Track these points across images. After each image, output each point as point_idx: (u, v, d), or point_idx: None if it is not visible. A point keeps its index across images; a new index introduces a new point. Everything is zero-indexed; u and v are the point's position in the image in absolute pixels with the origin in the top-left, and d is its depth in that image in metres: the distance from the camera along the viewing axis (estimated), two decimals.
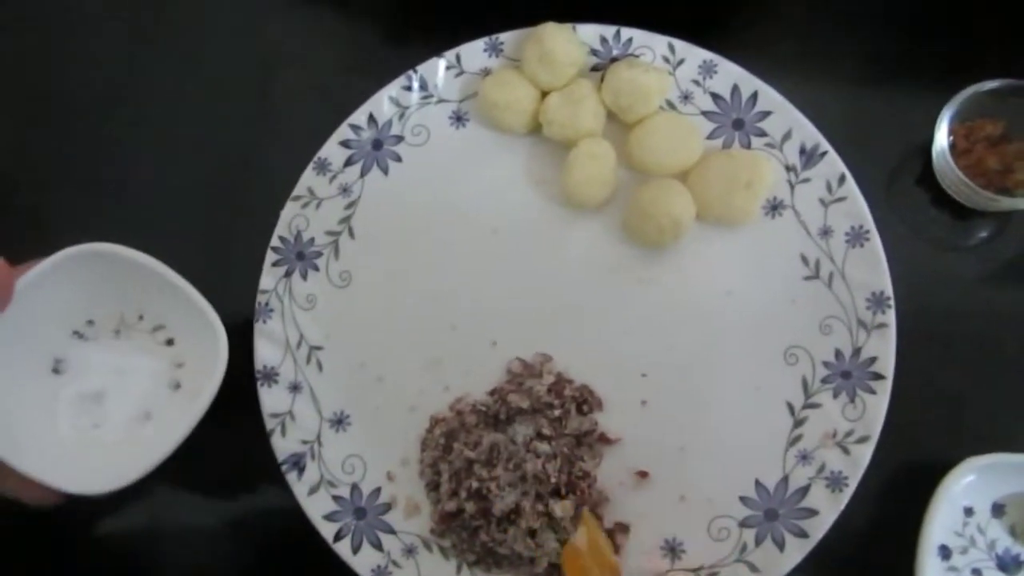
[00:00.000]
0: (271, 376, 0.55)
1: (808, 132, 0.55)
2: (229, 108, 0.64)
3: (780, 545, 0.49)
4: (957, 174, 0.53)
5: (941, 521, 0.48)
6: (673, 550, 0.51)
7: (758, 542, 0.49)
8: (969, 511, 0.50)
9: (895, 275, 0.52)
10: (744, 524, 0.50)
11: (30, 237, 0.62)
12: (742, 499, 0.51)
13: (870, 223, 0.53)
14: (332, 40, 0.66)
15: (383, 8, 0.66)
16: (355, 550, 0.52)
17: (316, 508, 0.53)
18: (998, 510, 0.50)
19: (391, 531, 0.53)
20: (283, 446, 0.54)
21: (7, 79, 0.67)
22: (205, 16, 0.67)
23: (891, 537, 0.50)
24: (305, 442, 0.54)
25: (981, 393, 0.53)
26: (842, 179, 0.54)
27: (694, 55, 0.57)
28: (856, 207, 0.53)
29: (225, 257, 0.60)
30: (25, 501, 0.47)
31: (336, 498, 0.53)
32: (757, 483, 0.51)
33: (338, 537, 0.52)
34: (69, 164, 0.65)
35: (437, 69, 0.59)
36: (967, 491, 0.50)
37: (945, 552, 0.50)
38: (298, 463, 0.53)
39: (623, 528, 0.51)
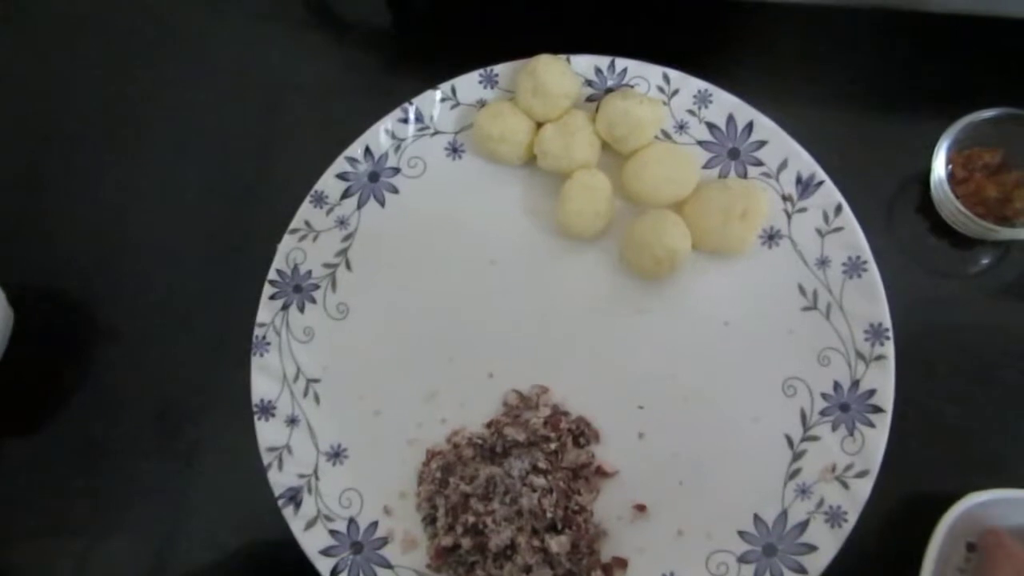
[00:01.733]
0: (268, 410, 0.55)
1: (804, 161, 0.54)
2: (227, 140, 0.65)
3: None
4: (955, 203, 0.52)
5: (943, 556, 0.48)
6: None
7: None
8: (971, 547, 0.49)
9: (894, 304, 0.52)
10: (743, 559, 0.50)
11: (33, 261, 0.64)
12: (741, 534, 0.50)
13: (867, 253, 0.52)
14: (329, 71, 0.66)
15: (380, 39, 0.67)
16: None
17: (313, 543, 0.52)
18: None
19: (388, 566, 0.52)
20: (280, 480, 0.54)
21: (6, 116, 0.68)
22: (203, 46, 0.68)
23: (892, 572, 0.49)
24: (302, 476, 0.54)
25: (983, 424, 0.52)
26: (839, 209, 0.53)
27: (689, 85, 0.57)
28: (853, 237, 0.53)
29: (223, 290, 0.61)
30: None
31: (333, 532, 0.53)
32: (756, 517, 0.50)
33: (335, 572, 0.52)
34: (69, 189, 0.66)
35: (433, 101, 0.59)
36: (969, 526, 0.49)
37: None
38: (295, 497, 0.53)
39: (621, 563, 0.51)
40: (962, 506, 0.47)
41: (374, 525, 0.53)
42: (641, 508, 0.52)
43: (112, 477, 0.59)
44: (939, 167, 0.54)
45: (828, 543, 0.48)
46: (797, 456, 0.51)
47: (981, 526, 0.48)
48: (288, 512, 0.53)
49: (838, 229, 0.53)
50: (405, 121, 0.59)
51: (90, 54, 0.69)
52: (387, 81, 0.65)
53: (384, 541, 0.53)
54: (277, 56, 0.67)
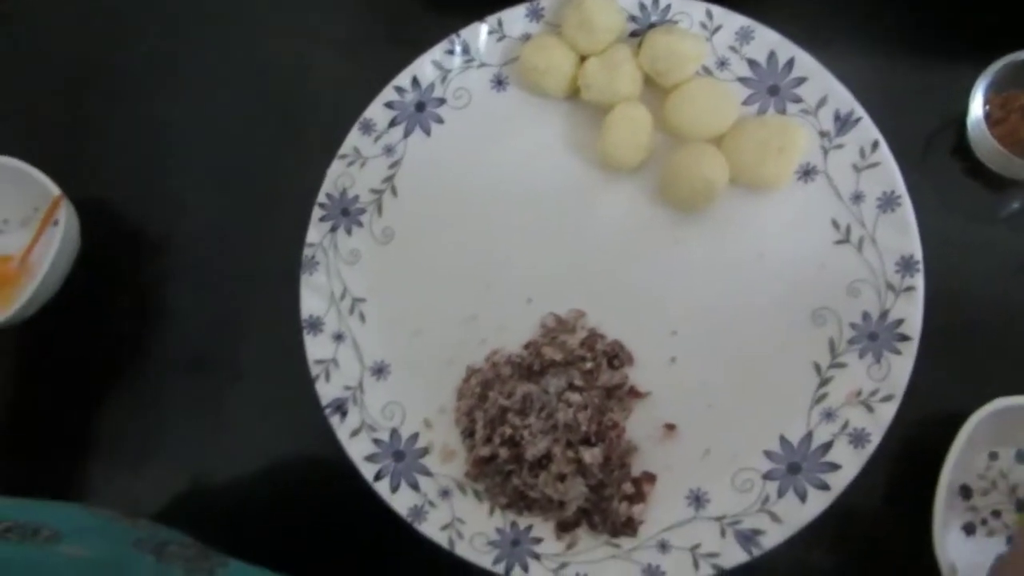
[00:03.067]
0: (316, 325, 0.58)
1: (843, 98, 0.55)
2: (268, 70, 0.67)
3: (802, 497, 0.50)
4: (992, 143, 0.53)
5: (965, 461, 0.49)
6: (698, 499, 0.52)
7: (780, 494, 0.51)
8: (994, 455, 0.51)
9: (926, 244, 0.53)
10: (768, 476, 0.52)
11: (89, 183, 0.67)
12: (766, 453, 0.52)
13: (902, 188, 0.53)
14: (376, 8, 0.68)
15: None
16: (394, 490, 0.54)
17: (357, 450, 0.55)
18: (1023, 456, 0.51)
19: (428, 473, 0.55)
20: (327, 391, 0.57)
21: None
22: None
23: (916, 481, 0.50)
24: (348, 388, 0.57)
25: (1008, 357, 0.54)
26: (875, 145, 0.54)
27: (731, 21, 0.58)
28: (888, 173, 0.54)
29: (273, 212, 0.63)
30: None
31: (376, 441, 0.56)
32: (782, 438, 0.52)
33: (378, 477, 0.55)
34: (123, 118, 0.69)
35: (479, 33, 0.61)
36: (994, 436, 0.50)
37: (966, 492, 0.51)
38: (341, 407, 0.56)
39: (650, 478, 0.53)
40: (985, 411, 0.49)
41: (415, 436, 0.56)
42: (671, 428, 0.54)
43: (159, 395, 0.63)
44: (976, 107, 0.54)
45: (851, 462, 0.50)
46: (824, 382, 0.53)
47: (1004, 433, 0.50)
48: (335, 421, 0.56)
49: (874, 165, 0.54)
50: (452, 53, 0.61)
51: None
52: (433, 18, 0.66)
53: (424, 451, 0.56)
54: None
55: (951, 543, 0.50)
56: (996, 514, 0.51)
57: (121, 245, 0.67)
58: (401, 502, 0.54)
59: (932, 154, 0.58)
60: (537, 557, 0.52)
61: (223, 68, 0.68)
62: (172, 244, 0.66)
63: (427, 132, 0.61)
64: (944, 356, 0.52)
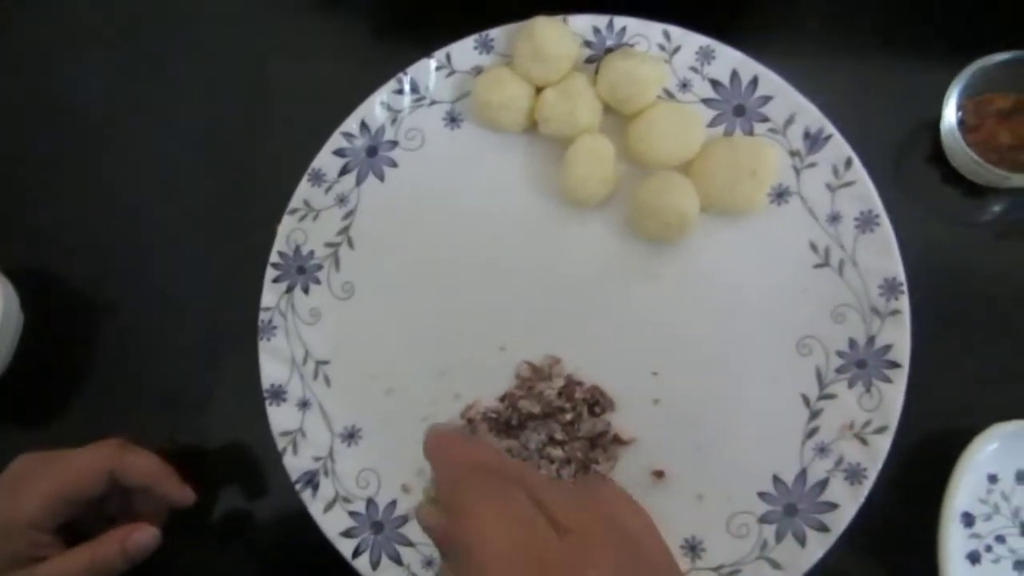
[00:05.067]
0: (279, 394, 0.55)
1: (812, 115, 0.53)
2: (214, 118, 0.64)
3: (801, 540, 0.48)
4: (967, 152, 0.51)
5: (965, 488, 0.48)
6: (693, 549, 0.50)
7: (779, 538, 0.49)
8: (993, 478, 0.49)
9: (907, 257, 0.51)
10: (764, 520, 0.50)
11: (27, 252, 0.63)
12: (760, 495, 0.50)
13: (879, 207, 0.51)
14: (318, 42, 0.64)
15: (368, 7, 0.65)
16: (374, 566, 0.51)
17: (333, 525, 0.52)
18: (1023, 477, 0.50)
19: (410, 544, 0.52)
20: (296, 464, 0.54)
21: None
22: (185, 20, 0.66)
23: (914, 510, 0.49)
24: (317, 459, 0.54)
25: (1001, 373, 0.52)
26: (849, 163, 0.52)
27: (691, 41, 0.55)
28: (865, 191, 0.52)
29: (224, 276, 0.60)
30: (181, 503, 0.51)
31: (352, 513, 0.53)
32: (775, 478, 0.50)
33: (357, 553, 0.52)
34: (58, 181, 0.65)
35: (428, 70, 0.58)
36: (991, 458, 0.49)
37: (968, 519, 0.49)
38: (311, 480, 0.53)
39: None
40: (986, 437, 0.47)
41: (393, 504, 0.53)
42: (659, 474, 0.52)
43: None
44: (950, 114, 0.52)
45: (849, 500, 0.48)
46: (814, 415, 0.51)
47: (1002, 455, 0.48)
48: (307, 496, 0.53)
49: (848, 183, 0.52)
50: (400, 92, 0.58)
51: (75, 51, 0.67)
52: (377, 50, 0.63)
53: (404, 520, 0.53)
54: (261, 28, 0.65)
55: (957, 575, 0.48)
56: (1000, 539, 0.49)
57: (68, 314, 0.63)
58: None
59: (907, 165, 0.56)
60: None
61: (162, 124, 0.64)
62: (123, 309, 0.62)
63: (380, 178, 0.58)
64: (934, 377, 0.50)
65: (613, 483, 0.39)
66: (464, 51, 0.57)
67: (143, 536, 0.48)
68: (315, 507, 0.53)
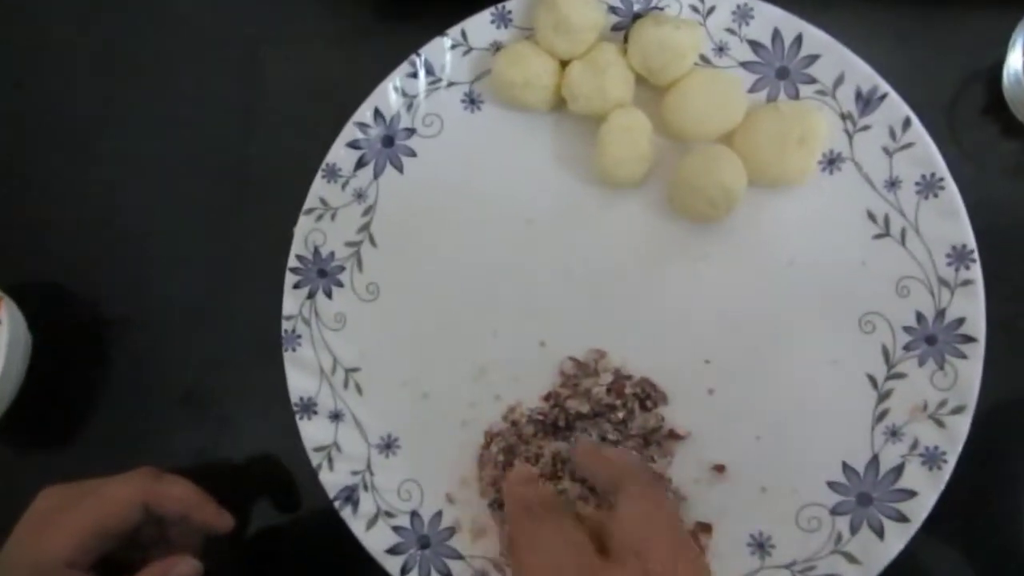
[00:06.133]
0: (309, 407, 0.52)
1: (863, 73, 0.49)
2: (216, 120, 0.60)
3: (879, 532, 0.45)
4: None
5: None
6: (761, 546, 0.47)
7: (854, 530, 0.46)
8: None
9: (974, 221, 0.47)
10: (836, 511, 0.47)
11: (31, 271, 0.60)
12: (830, 484, 0.47)
13: (943, 170, 0.47)
14: (318, 27, 0.60)
15: None
16: None
17: (377, 543, 0.50)
18: None
19: (459, 556, 0.50)
20: (333, 480, 0.51)
21: None
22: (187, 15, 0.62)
23: (999, 494, 0.46)
24: (355, 473, 0.51)
25: None
26: (907, 123, 0.48)
27: (726, 0, 0.51)
28: (926, 153, 0.48)
29: (239, 283, 0.56)
30: (219, 530, 0.49)
31: (396, 529, 0.50)
32: (845, 466, 0.47)
33: (405, 571, 0.49)
34: (56, 195, 0.62)
35: (442, 49, 0.54)
36: None
37: None
38: (351, 496, 0.50)
39: (705, 528, 0.48)
40: None
41: (438, 516, 0.50)
42: (720, 469, 0.49)
43: None
44: (1015, 60, 0.48)
45: (928, 487, 0.45)
46: (883, 396, 0.47)
47: None
48: (347, 513, 0.50)
49: (907, 145, 0.48)
50: (414, 75, 0.54)
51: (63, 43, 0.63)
52: (387, 31, 0.59)
53: (451, 531, 0.50)
54: (253, 15, 0.61)
55: None
56: None
57: (78, 332, 0.60)
58: None
59: (963, 119, 0.51)
60: None
61: (158, 129, 0.60)
62: (135, 324, 0.59)
63: (399, 169, 0.54)
64: (1012, 351, 0.47)
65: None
66: (480, 26, 0.53)
67: (185, 569, 0.46)
68: (357, 524, 0.50)
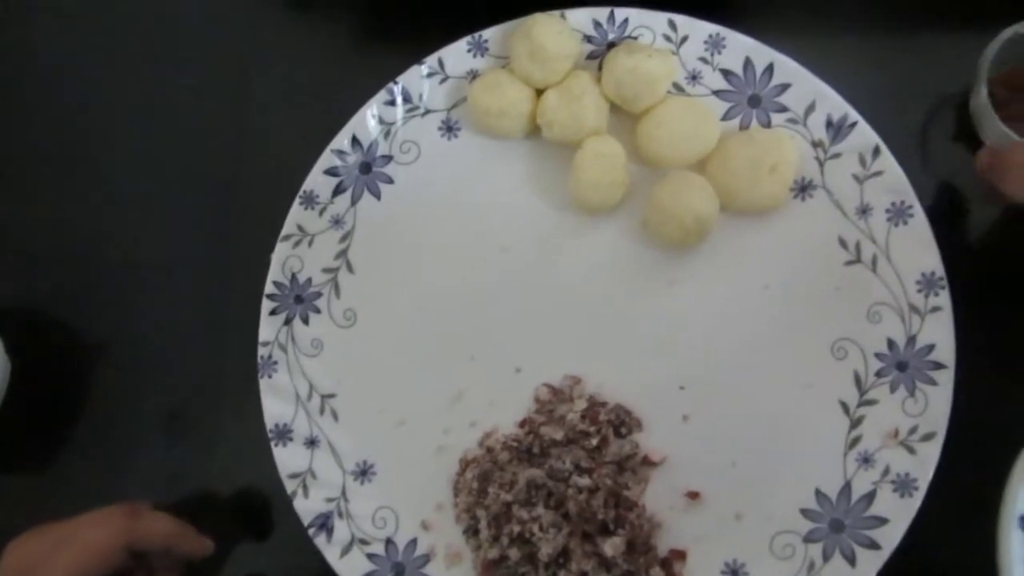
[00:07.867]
0: (285, 434, 0.52)
1: (834, 102, 0.50)
2: (196, 135, 0.60)
3: (851, 560, 0.45)
4: (1002, 129, 0.48)
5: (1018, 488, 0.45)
6: (735, 573, 0.47)
7: (826, 558, 0.46)
8: None
9: (942, 247, 0.47)
10: (809, 539, 0.47)
11: (10, 294, 0.60)
12: (803, 511, 0.47)
13: (912, 197, 0.48)
14: (298, 52, 0.61)
15: (351, 11, 0.61)
16: None
17: (352, 570, 0.49)
18: None
19: None
20: (307, 507, 0.50)
21: None
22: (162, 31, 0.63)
23: (970, 520, 0.45)
24: (330, 500, 0.51)
25: None
26: (876, 151, 0.49)
27: (698, 30, 0.52)
28: (896, 180, 0.48)
29: (219, 308, 0.56)
30: (200, 556, 0.49)
31: (371, 556, 0.50)
32: (818, 492, 0.47)
33: None
34: (37, 216, 0.62)
35: (419, 77, 0.54)
36: None
37: None
38: (325, 524, 0.50)
39: (679, 555, 0.48)
40: None
41: (413, 543, 0.50)
42: (694, 495, 0.49)
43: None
44: (980, 89, 0.49)
45: (899, 514, 0.45)
46: (855, 423, 0.48)
47: None
48: (321, 541, 0.50)
49: (877, 173, 0.49)
50: (392, 103, 0.54)
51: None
52: (362, 57, 0.60)
53: (426, 559, 0.50)
54: (244, 38, 0.61)
55: None
56: None
57: (58, 357, 0.60)
58: None
59: (933, 146, 0.52)
60: None
61: (146, 154, 0.61)
62: (115, 348, 0.59)
63: (377, 196, 0.54)
64: (981, 377, 0.47)
65: None
66: (457, 55, 0.54)
67: None
68: (331, 552, 0.50)
